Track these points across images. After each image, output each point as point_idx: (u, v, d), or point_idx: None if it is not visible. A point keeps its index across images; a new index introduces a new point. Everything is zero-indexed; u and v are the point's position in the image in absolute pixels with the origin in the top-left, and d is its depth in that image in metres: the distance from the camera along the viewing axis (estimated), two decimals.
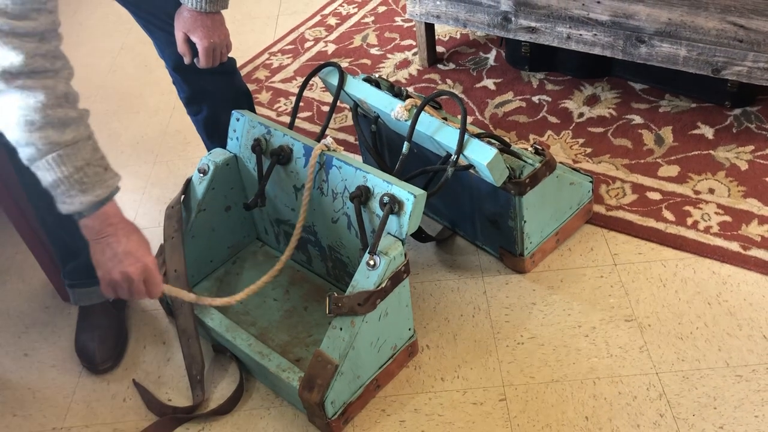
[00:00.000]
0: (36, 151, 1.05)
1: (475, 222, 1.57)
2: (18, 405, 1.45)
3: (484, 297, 1.51)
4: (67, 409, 1.42)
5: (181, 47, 1.38)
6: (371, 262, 1.22)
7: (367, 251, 1.23)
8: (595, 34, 1.80)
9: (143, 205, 1.90)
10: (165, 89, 2.35)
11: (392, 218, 1.25)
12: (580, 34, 1.82)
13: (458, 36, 2.34)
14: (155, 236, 1.79)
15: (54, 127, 1.05)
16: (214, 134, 1.63)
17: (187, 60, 1.40)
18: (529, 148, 1.46)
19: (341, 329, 1.23)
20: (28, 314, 1.65)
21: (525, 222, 1.45)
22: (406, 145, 1.39)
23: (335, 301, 1.23)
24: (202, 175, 1.49)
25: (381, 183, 1.27)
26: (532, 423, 1.27)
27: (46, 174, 1.07)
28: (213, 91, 1.56)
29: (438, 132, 1.39)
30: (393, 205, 1.24)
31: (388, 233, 1.26)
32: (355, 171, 1.31)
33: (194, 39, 1.36)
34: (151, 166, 2.03)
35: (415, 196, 1.22)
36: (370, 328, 1.26)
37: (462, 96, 2.07)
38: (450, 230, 1.66)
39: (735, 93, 1.84)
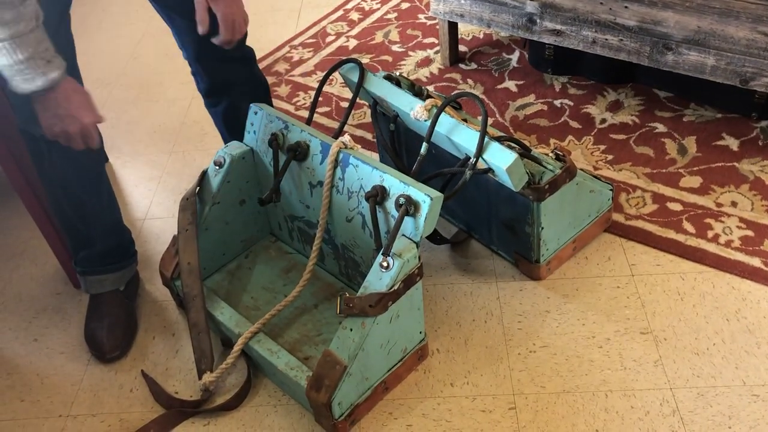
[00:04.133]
0: None
1: (492, 226, 1.55)
2: (26, 390, 1.45)
3: (497, 303, 1.49)
4: (74, 397, 1.42)
5: (201, 14, 1.35)
6: (384, 264, 1.21)
7: (381, 252, 1.21)
8: (622, 40, 1.77)
9: (158, 194, 1.89)
10: (184, 79, 2.34)
11: (408, 220, 1.23)
12: (606, 39, 1.79)
13: (481, 36, 2.32)
14: (169, 227, 1.79)
15: None
16: (233, 126, 1.62)
17: (201, 29, 1.35)
18: (550, 154, 1.44)
19: (351, 330, 1.22)
20: (39, 299, 1.65)
21: (542, 228, 1.43)
22: (424, 145, 1.37)
23: (347, 302, 1.22)
24: (217, 167, 1.48)
25: (397, 183, 1.25)
26: None
27: None
28: (233, 80, 1.55)
29: (457, 134, 1.36)
30: (409, 207, 1.22)
31: (403, 235, 1.24)
32: (371, 170, 1.29)
33: (216, 9, 1.34)
34: (167, 156, 2.03)
35: (431, 199, 1.20)
36: (381, 330, 1.24)
37: (483, 97, 2.05)
38: (465, 233, 1.64)
39: (763, 105, 1.80)
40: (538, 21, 1.88)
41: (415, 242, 1.23)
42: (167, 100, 2.27)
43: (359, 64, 1.52)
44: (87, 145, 1.26)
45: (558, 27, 1.85)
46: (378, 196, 1.27)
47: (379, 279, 1.21)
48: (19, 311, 1.63)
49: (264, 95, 1.63)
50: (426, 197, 1.21)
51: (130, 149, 2.07)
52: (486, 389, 1.33)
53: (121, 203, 1.88)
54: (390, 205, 1.26)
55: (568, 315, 1.44)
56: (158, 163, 2.00)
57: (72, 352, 1.51)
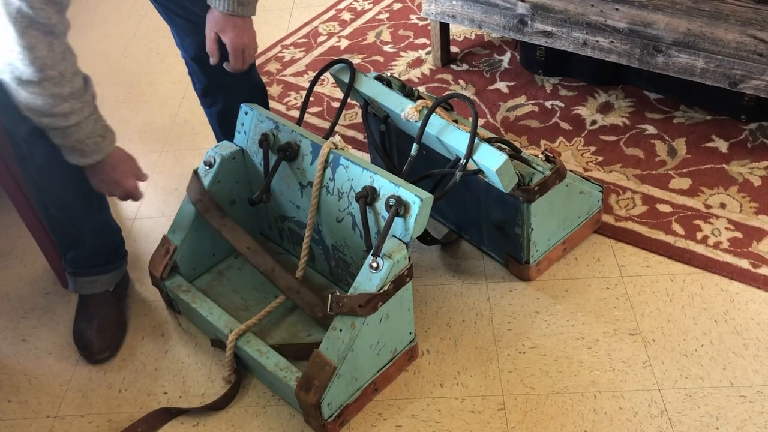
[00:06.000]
0: (44, 128, 1.23)
1: (482, 227, 1.55)
2: (13, 391, 1.44)
3: (487, 303, 1.49)
4: (62, 398, 1.41)
5: (211, 47, 1.39)
6: (374, 265, 1.21)
7: (371, 253, 1.21)
8: (612, 42, 1.77)
9: (148, 194, 1.88)
10: (175, 78, 2.34)
11: (398, 221, 1.23)
12: (597, 41, 1.80)
13: (473, 37, 2.32)
14: (159, 226, 1.78)
15: (61, 116, 1.20)
16: (227, 127, 1.61)
17: (213, 61, 1.41)
18: (540, 155, 1.44)
19: (341, 331, 1.22)
20: (27, 299, 1.64)
21: (532, 230, 1.43)
22: (415, 146, 1.37)
23: (337, 300, 1.22)
24: (207, 167, 1.47)
25: (388, 184, 1.25)
26: None
27: (53, 138, 1.25)
28: (230, 84, 1.54)
29: (448, 135, 1.37)
30: (399, 208, 1.22)
31: (393, 236, 1.24)
32: (362, 171, 1.29)
33: (225, 39, 1.37)
34: (158, 155, 2.02)
35: (421, 200, 1.20)
36: (371, 330, 1.24)
37: (474, 98, 2.05)
38: (456, 234, 1.64)
39: (752, 107, 1.81)
40: (529, 22, 1.88)
41: (405, 243, 1.23)
42: (158, 99, 2.26)
43: (350, 64, 1.52)
44: (131, 200, 1.40)
45: (549, 28, 1.86)
46: (368, 196, 1.27)
47: (368, 280, 1.21)
48: (7, 311, 1.62)
49: (261, 100, 1.63)
50: (416, 198, 1.21)
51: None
52: (475, 390, 1.34)
53: (111, 203, 1.86)
54: (380, 205, 1.26)
55: (557, 316, 1.45)
56: (149, 162, 1.99)
57: (60, 353, 1.51)
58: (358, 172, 1.30)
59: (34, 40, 1.11)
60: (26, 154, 1.33)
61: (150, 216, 1.82)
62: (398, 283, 1.23)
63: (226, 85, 1.54)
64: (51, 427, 1.36)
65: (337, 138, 1.36)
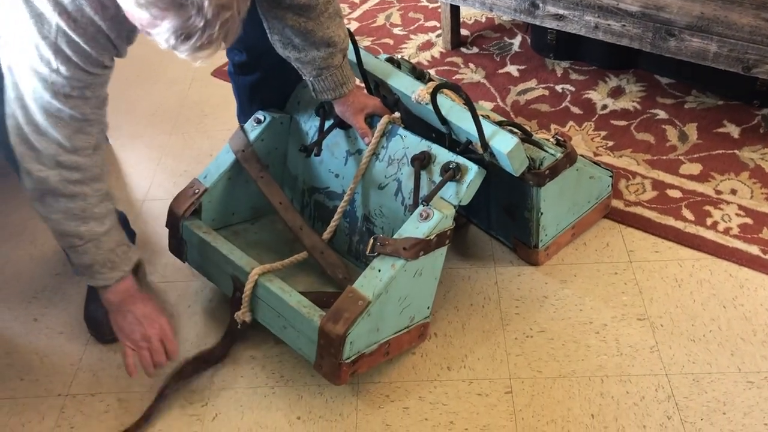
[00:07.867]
0: (79, 240, 1.20)
1: (490, 211, 1.55)
2: (25, 369, 1.46)
3: (495, 287, 1.50)
4: (73, 377, 1.43)
5: (366, 129, 1.43)
6: (424, 214, 1.26)
7: (422, 201, 1.27)
8: (624, 25, 1.76)
9: (158, 176, 1.89)
10: (185, 60, 2.33)
11: (449, 185, 1.29)
12: (609, 24, 1.78)
13: (483, 20, 2.30)
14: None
15: (97, 220, 1.20)
16: (255, 98, 1.58)
17: (368, 140, 1.44)
18: (551, 139, 1.44)
19: (380, 270, 1.24)
20: (38, 279, 1.65)
21: (542, 214, 1.43)
22: (445, 127, 1.40)
23: (381, 242, 1.25)
24: (255, 123, 1.51)
25: (445, 153, 1.33)
26: (537, 417, 1.26)
27: (83, 257, 1.22)
28: (270, 53, 1.51)
29: (460, 118, 1.36)
30: (456, 172, 1.29)
31: (441, 197, 1.29)
32: (419, 141, 1.37)
33: (372, 109, 1.45)
34: (167, 137, 2.02)
35: (478, 168, 1.29)
36: (405, 280, 1.25)
37: (484, 82, 2.04)
38: (464, 218, 1.64)
39: (765, 92, 1.80)
40: (540, 5, 1.87)
41: (452, 204, 1.28)
42: (167, 80, 2.26)
43: (349, 32, 1.51)
44: (168, 352, 1.32)
45: (560, 12, 1.84)
46: (424, 159, 1.34)
47: (416, 228, 1.26)
48: (19, 291, 1.63)
49: (295, 73, 1.60)
50: (474, 165, 1.29)
51: (130, 131, 2.06)
52: (483, 373, 1.34)
53: (121, 184, 1.88)
54: (435, 169, 1.33)
55: (565, 300, 1.45)
56: (157, 144, 1.99)
57: (71, 332, 1.52)
58: (416, 141, 1.37)
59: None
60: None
61: (159, 197, 1.82)
62: (440, 239, 1.27)
63: (266, 56, 1.50)
64: (62, 405, 1.38)
65: (397, 114, 1.43)
